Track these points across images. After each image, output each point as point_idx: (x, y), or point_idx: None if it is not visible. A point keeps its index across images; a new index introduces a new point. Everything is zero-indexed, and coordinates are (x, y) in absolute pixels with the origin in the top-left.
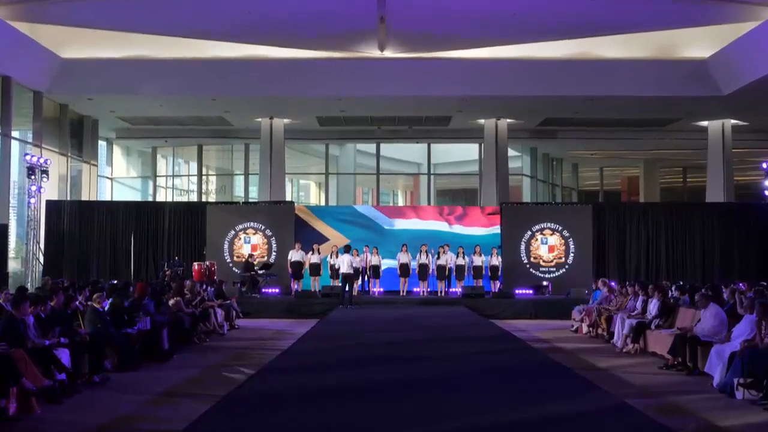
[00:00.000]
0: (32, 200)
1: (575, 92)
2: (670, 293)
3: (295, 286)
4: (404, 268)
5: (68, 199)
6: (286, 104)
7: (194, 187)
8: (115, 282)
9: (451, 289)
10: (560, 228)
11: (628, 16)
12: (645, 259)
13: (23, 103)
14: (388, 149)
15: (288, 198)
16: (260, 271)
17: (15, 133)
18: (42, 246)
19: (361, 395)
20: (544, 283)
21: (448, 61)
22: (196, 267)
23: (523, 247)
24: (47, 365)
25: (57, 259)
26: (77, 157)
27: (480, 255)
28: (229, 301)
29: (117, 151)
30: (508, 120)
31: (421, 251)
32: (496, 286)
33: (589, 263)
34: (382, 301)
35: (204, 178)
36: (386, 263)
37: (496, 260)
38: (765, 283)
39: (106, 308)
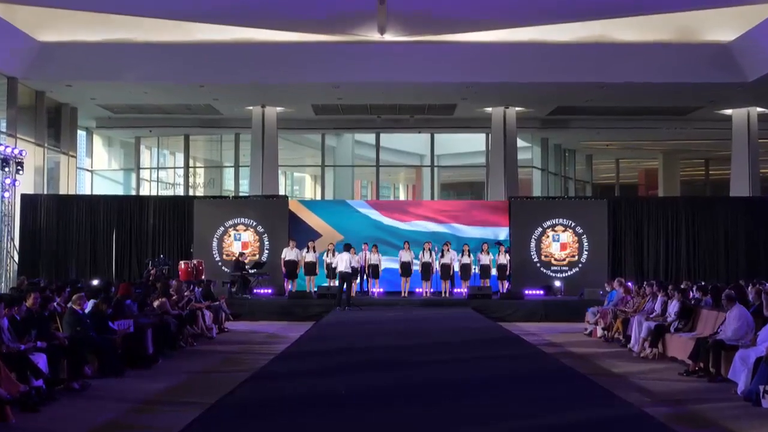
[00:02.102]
0: (6, 194)
1: (589, 78)
2: (690, 294)
3: (289, 287)
4: (406, 267)
5: (45, 192)
6: (279, 91)
7: (180, 180)
8: (96, 282)
9: (455, 290)
10: (573, 224)
11: None
12: (664, 258)
13: None
14: (389, 140)
15: (281, 192)
16: (251, 271)
17: None
18: (17, 243)
19: (361, 403)
20: (556, 283)
21: (453, 45)
22: (183, 266)
23: (533, 244)
24: (23, 371)
25: (33, 257)
26: (55, 147)
27: (487, 253)
28: (218, 303)
29: (97, 141)
30: (517, 108)
31: (424, 249)
32: (504, 286)
33: (604, 262)
34: (383, 303)
35: (191, 170)
36: (386, 262)
37: (504, 259)
38: None
39: (86, 310)
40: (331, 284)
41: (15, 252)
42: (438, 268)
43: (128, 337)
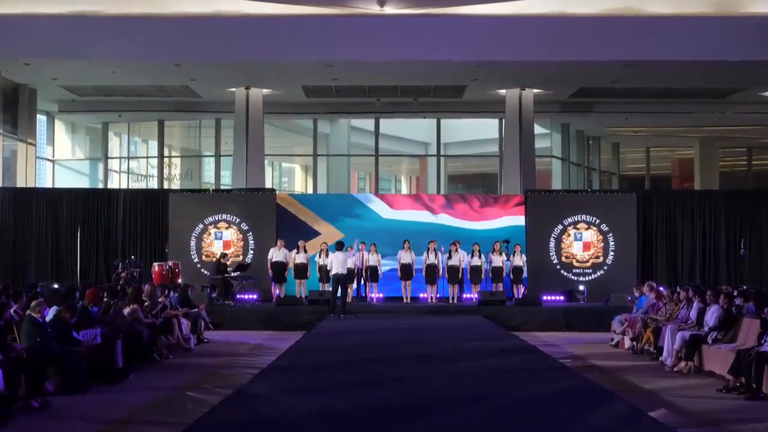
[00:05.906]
0: None
1: (616, 56)
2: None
3: (277, 292)
4: (406, 269)
5: (0, 185)
6: (266, 71)
7: (154, 171)
8: (58, 287)
9: (465, 295)
10: (598, 221)
11: None
12: (701, 259)
13: None
14: (389, 126)
15: (268, 185)
16: (234, 274)
17: None
18: None
19: (357, 424)
20: (579, 287)
21: (462, 18)
22: (157, 268)
23: (552, 244)
24: None
25: None
26: (11, 134)
27: (499, 254)
28: (196, 310)
29: (60, 127)
30: (535, 90)
31: (428, 249)
32: (520, 291)
33: (632, 263)
34: (382, 310)
35: (166, 160)
36: (386, 263)
37: (520, 260)
38: None
39: (47, 318)
40: (324, 289)
41: None
42: (445, 270)
43: (95, 348)
